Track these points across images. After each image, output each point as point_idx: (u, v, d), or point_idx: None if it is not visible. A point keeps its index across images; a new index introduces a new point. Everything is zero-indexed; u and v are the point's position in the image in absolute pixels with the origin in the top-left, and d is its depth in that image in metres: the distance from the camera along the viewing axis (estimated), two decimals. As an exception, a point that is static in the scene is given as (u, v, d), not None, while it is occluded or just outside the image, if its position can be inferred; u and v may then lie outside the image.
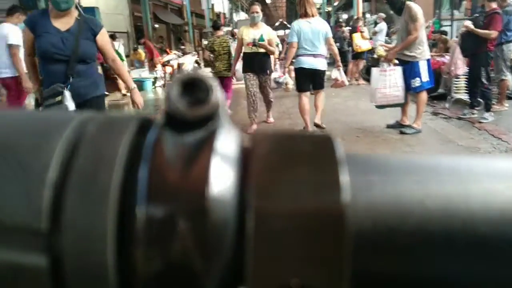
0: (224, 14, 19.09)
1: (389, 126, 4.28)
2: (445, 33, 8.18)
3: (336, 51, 4.42)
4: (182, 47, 11.69)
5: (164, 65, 8.98)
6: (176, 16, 15.87)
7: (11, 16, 4.08)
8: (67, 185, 0.13)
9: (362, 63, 8.59)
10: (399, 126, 4.19)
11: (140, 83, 8.75)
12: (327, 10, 18.08)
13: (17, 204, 0.13)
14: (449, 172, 0.15)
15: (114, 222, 0.13)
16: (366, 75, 9.36)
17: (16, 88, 4.02)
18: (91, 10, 11.29)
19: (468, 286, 0.14)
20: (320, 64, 4.19)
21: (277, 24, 21.62)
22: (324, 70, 4.29)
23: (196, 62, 9.95)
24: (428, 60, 4.01)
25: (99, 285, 0.13)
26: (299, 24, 4.14)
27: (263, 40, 4.28)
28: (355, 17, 9.10)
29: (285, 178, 0.13)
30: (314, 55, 4.17)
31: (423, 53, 4.02)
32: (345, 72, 6.29)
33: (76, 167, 0.13)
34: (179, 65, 9.05)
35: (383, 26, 9.77)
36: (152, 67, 8.90)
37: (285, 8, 36.93)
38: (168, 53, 9.18)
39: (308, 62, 4.16)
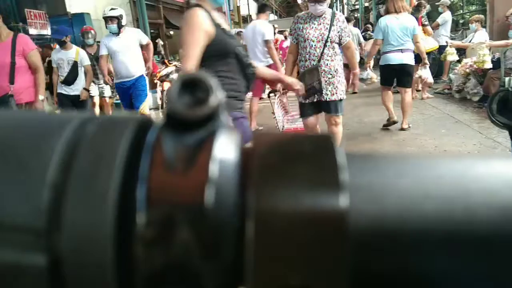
0: (250, 16, 16.55)
1: None
2: None
3: (423, 48, 4.48)
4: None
5: (161, 80, 7.59)
6: (194, 20, 13.31)
7: (263, 13, 5.09)
8: (67, 185, 0.14)
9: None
10: None
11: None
12: (366, 5, 15.15)
13: (17, 204, 0.14)
14: (449, 172, 0.16)
15: (114, 222, 0.13)
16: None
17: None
18: (80, 16, 8.36)
19: (468, 286, 0.15)
20: (408, 58, 4.24)
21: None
22: (413, 65, 4.33)
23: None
24: None
25: (98, 285, 0.14)
26: (386, 20, 4.24)
27: None
28: (414, 2, 6.22)
29: (285, 178, 0.14)
30: (402, 50, 4.23)
31: None
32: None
33: (76, 167, 0.14)
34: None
35: (447, 16, 6.87)
36: (152, 84, 6.36)
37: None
38: (167, 65, 6.62)
39: (395, 58, 4.25)
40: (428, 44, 6.05)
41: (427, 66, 4.57)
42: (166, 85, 7.19)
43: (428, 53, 6.10)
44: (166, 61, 8.41)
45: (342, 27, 3.04)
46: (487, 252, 0.14)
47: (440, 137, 4.03)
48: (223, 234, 0.14)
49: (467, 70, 5.61)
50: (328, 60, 3.04)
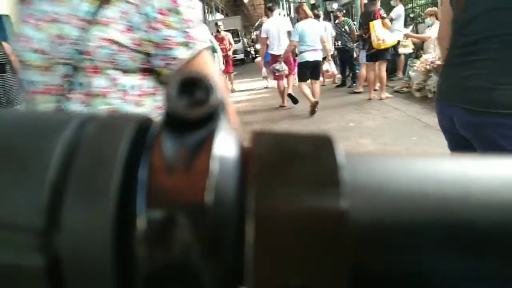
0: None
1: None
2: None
3: (328, 46, 5.95)
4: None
5: None
6: None
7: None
8: (67, 185, 0.14)
9: (384, 65, 5.02)
10: None
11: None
12: (312, 2, 14.72)
13: (16, 204, 0.14)
14: (449, 172, 0.16)
15: (114, 222, 0.14)
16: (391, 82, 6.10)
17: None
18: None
19: (468, 284, 0.15)
20: (319, 56, 5.69)
21: (257, 24, 18.29)
22: (320, 61, 5.79)
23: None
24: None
25: (98, 285, 0.14)
26: (302, 25, 5.52)
27: None
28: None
29: (285, 178, 0.14)
30: (315, 50, 5.58)
31: None
32: (354, 80, 7.45)
33: (76, 167, 0.14)
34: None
35: (400, 10, 6.36)
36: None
37: (263, 6, 33.54)
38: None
39: (311, 56, 5.52)
40: (389, 38, 5.52)
41: (331, 62, 6.03)
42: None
43: (386, 49, 5.56)
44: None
45: None
46: (487, 251, 0.15)
47: (412, 146, 3.48)
48: (223, 234, 0.14)
49: (428, 67, 5.13)
50: None
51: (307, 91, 5.61)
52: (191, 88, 0.16)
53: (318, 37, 5.50)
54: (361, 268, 0.15)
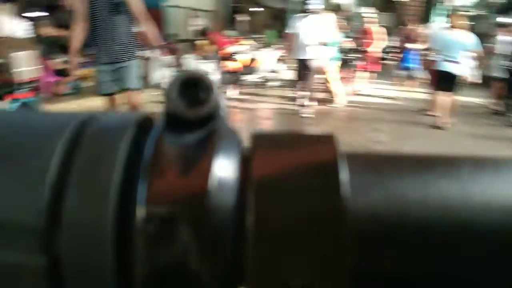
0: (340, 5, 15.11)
1: None
2: None
3: (481, 56, 5.35)
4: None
5: (225, 58, 6.21)
6: (280, -1, 12.39)
7: None
8: (67, 185, 0.14)
9: None
10: None
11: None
12: (482, 13, 13.02)
13: (17, 204, 0.14)
14: (450, 172, 0.16)
15: (114, 222, 0.14)
16: None
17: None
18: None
19: (468, 284, 0.15)
20: (456, 69, 5.06)
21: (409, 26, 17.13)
22: (454, 75, 5.17)
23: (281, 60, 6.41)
24: None
25: (98, 285, 0.14)
26: (446, 34, 5.26)
27: None
28: None
29: (285, 178, 0.14)
30: (452, 62, 5.01)
31: None
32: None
33: (76, 167, 0.15)
34: (253, 61, 6.59)
35: None
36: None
37: (416, 8, 31.16)
38: (237, 43, 5.73)
39: (446, 66, 5.06)
40: None
41: (473, 69, 5.50)
42: (232, 64, 6.12)
43: None
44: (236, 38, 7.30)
45: None
46: (487, 251, 0.14)
47: None
48: (224, 234, 0.14)
49: None
50: None
51: (438, 102, 5.25)
52: (191, 88, 0.15)
53: (460, 49, 4.89)
54: (361, 267, 0.14)
